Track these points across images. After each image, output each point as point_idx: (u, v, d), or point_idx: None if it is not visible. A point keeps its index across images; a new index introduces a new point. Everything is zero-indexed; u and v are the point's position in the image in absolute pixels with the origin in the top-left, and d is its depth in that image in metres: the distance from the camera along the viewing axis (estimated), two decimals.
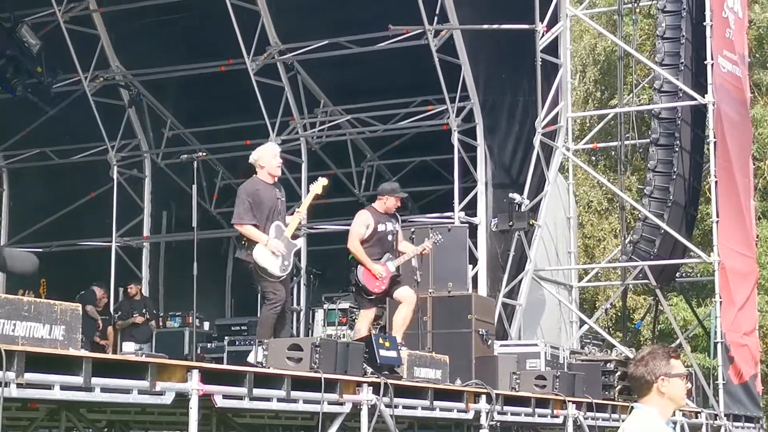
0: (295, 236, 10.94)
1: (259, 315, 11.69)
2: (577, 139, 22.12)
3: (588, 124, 28.06)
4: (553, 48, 18.55)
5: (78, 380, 6.78)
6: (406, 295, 11.85)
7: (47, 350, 6.88)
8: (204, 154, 13.30)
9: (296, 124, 19.38)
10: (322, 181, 11.34)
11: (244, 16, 18.31)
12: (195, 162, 11.58)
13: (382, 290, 11.74)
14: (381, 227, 11.82)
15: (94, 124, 19.93)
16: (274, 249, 10.59)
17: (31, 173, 21.46)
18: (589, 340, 19.41)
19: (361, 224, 11.83)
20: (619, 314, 24.67)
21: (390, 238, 11.87)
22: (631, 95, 22.19)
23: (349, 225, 11.28)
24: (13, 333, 6.77)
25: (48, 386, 6.70)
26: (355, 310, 17.58)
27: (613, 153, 26.55)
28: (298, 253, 11.44)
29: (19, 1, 19.15)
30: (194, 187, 11.25)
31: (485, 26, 17.25)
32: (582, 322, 20.17)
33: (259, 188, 10.95)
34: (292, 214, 11.22)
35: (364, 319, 11.93)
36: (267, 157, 11.19)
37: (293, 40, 18.63)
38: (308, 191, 11.38)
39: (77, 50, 19.59)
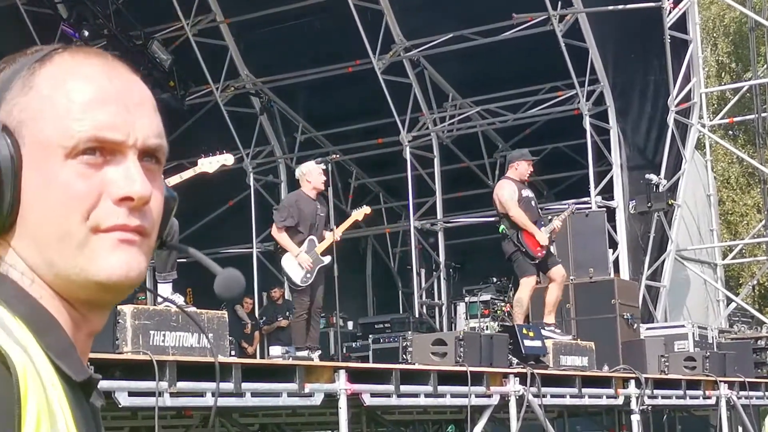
0: (325, 253, 11.43)
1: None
2: (712, 115, 21.70)
3: (724, 98, 27.50)
4: (681, 24, 18.22)
5: (229, 386, 6.91)
6: (560, 274, 11.77)
7: (197, 359, 7.03)
8: (337, 156, 13.45)
9: (426, 119, 19.41)
10: (365, 210, 12.24)
11: (368, 16, 18.41)
12: (329, 164, 11.73)
13: (543, 255, 11.59)
14: (525, 193, 11.73)
15: (228, 133, 20.26)
16: (301, 262, 11.22)
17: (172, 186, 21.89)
18: (737, 318, 19.05)
19: (511, 192, 11.67)
20: (767, 289, 24.14)
21: (533, 204, 11.79)
22: (766, 66, 21.67)
23: (484, 217, 11.28)
24: (164, 343, 6.93)
25: (200, 394, 6.84)
26: (496, 301, 17.56)
27: (750, 126, 25.99)
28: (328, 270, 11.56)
29: (149, 18, 19.57)
30: (330, 188, 11.39)
31: (610, 7, 17.03)
32: (729, 300, 19.80)
33: (301, 201, 11.47)
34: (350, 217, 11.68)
35: (526, 286, 11.64)
36: (314, 173, 11.47)
37: (418, 36, 18.66)
38: (350, 214, 12.41)
39: (207, 62, 19.95)
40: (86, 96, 1.30)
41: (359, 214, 12.12)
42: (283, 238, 11.39)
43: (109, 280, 1.30)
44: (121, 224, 1.30)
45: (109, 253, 1.30)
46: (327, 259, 11.50)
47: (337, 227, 11.74)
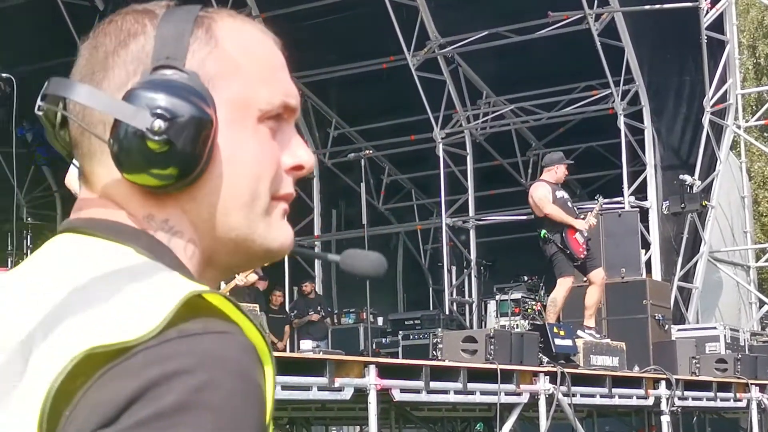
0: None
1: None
2: (748, 116, 21.57)
3: (761, 100, 27.34)
4: (718, 24, 18.13)
5: None
6: (600, 276, 11.73)
7: None
8: (371, 151, 13.41)
9: (459, 116, 19.39)
10: (252, 278, 11.61)
11: (403, 12, 18.41)
12: (362, 160, 11.69)
13: (585, 256, 11.55)
14: (559, 194, 11.68)
15: None
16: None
17: None
18: None
19: (545, 192, 11.62)
20: None
21: (569, 204, 11.74)
22: None
23: (517, 215, 11.22)
24: None
25: None
26: (527, 299, 17.52)
27: None
28: None
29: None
30: (362, 184, 11.35)
31: (647, 7, 16.96)
32: (762, 303, 19.69)
33: None
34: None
35: (563, 287, 11.53)
36: None
37: (453, 33, 18.64)
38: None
39: None
40: (273, 61, 1.29)
41: (240, 279, 11.37)
42: None
43: (281, 249, 1.29)
44: (290, 193, 1.31)
45: (282, 222, 1.29)
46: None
47: None
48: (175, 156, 1.18)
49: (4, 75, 9.29)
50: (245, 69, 1.26)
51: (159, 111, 1.17)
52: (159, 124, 1.17)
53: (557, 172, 11.82)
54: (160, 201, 1.22)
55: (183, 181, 1.20)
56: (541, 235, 11.55)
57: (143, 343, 1.04)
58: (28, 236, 17.99)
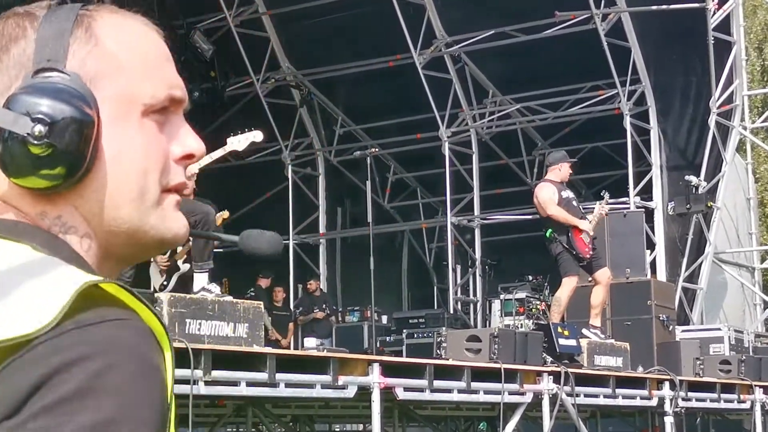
0: (186, 259, 9.44)
1: None
2: (754, 117, 21.54)
3: (767, 101, 27.31)
4: (725, 26, 18.11)
5: (263, 376, 6.93)
6: (605, 276, 11.70)
7: (232, 348, 7.06)
8: (376, 150, 13.41)
9: (465, 115, 19.39)
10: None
11: (410, 10, 18.41)
12: (368, 158, 11.67)
13: (591, 256, 11.53)
14: (565, 194, 11.64)
15: (267, 125, 20.29)
16: (157, 262, 9.45)
17: (210, 175, 21.96)
18: None
19: (550, 193, 11.58)
20: None
21: (575, 204, 11.69)
22: None
23: (522, 215, 11.22)
24: (199, 332, 6.97)
25: (234, 383, 6.87)
26: (532, 299, 17.52)
27: None
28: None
29: (191, 8, 19.66)
30: (368, 182, 11.34)
31: (654, 7, 16.95)
32: (766, 305, 19.67)
33: None
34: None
35: (567, 286, 11.48)
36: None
37: (459, 32, 18.64)
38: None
39: (248, 53, 20.01)
40: (156, 54, 1.32)
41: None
42: None
43: (175, 238, 1.32)
44: (182, 182, 1.32)
45: (174, 212, 1.31)
46: (185, 267, 9.47)
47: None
48: (59, 158, 1.21)
49: None
50: (127, 65, 1.28)
51: (39, 116, 1.20)
52: (39, 128, 1.20)
53: (561, 170, 11.77)
54: (51, 199, 1.25)
55: (70, 180, 1.23)
56: (547, 234, 11.52)
57: (42, 336, 1.07)
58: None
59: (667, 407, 11.01)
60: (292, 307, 18.73)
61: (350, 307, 19.28)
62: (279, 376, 7.01)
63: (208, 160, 8.39)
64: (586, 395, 9.98)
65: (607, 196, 12.70)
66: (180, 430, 6.65)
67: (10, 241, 1.21)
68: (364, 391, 7.67)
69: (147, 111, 1.28)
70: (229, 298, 7.58)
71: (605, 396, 10.34)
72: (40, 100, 1.21)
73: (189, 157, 1.32)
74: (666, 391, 11.01)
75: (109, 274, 1.27)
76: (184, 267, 9.47)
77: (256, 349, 7.25)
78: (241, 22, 19.82)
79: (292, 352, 12.84)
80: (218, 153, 8.76)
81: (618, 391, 10.43)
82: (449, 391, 8.54)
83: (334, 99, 21.16)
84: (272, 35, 20.15)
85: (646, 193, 17.40)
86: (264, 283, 17.63)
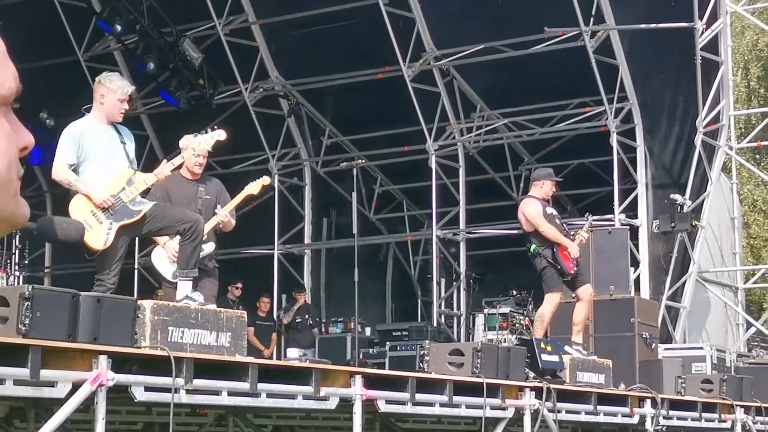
0: (207, 239, 9.13)
1: None
2: (740, 138, 21.61)
3: (753, 122, 27.40)
4: (713, 45, 18.18)
5: (245, 386, 6.92)
6: (588, 292, 11.70)
7: (215, 357, 7.05)
8: (363, 161, 13.38)
9: (453, 129, 19.41)
10: (263, 180, 9.89)
11: (400, 23, 18.43)
12: (355, 169, 11.65)
13: (576, 272, 11.53)
14: (548, 210, 11.64)
15: (254, 134, 20.32)
16: (168, 250, 9.03)
17: None
18: (756, 343, 18.97)
19: (537, 208, 11.57)
20: None
21: (557, 221, 11.69)
22: None
23: (507, 229, 11.21)
24: (182, 340, 6.96)
25: (216, 392, 6.86)
26: (515, 314, 17.53)
27: None
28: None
29: (181, 16, 19.65)
30: (354, 194, 11.32)
31: (643, 26, 17.01)
32: (749, 325, 19.71)
33: (172, 182, 9.21)
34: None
35: (550, 302, 11.47)
36: (188, 150, 9.20)
37: (448, 46, 18.67)
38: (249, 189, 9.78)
39: (237, 62, 20.01)
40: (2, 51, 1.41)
41: (254, 186, 9.77)
42: None
43: (23, 224, 1.47)
44: (22, 172, 1.46)
45: (20, 199, 1.46)
46: (208, 248, 9.29)
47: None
48: None
49: None
50: None
51: None
52: None
53: (543, 187, 11.78)
54: None
55: None
56: (531, 249, 11.52)
57: None
58: (17, 236, 17.95)
59: (649, 425, 11.02)
60: (275, 317, 18.72)
61: (334, 318, 19.27)
62: (261, 386, 7.00)
63: (170, 166, 8.37)
64: (567, 411, 9.99)
65: (590, 219, 12.69)
66: None
67: None
68: (346, 403, 7.66)
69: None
70: (213, 307, 7.57)
71: (587, 413, 10.35)
72: None
73: (26, 149, 1.45)
74: (647, 409, 11.02)
75: None
76: (207, 247, 9.20)
77: (238, 358, 7.24)
78: (231, 30, 19.81)
79: (274, 362, 12.80)
80: (178, 159, 8.67)
81: (599, 408, 10.44)
82: (431, 404, 8.53)
83: (322, 109, 21.16)
84: (261, 44, 20.15)
85: (632, 210, 17.43)
86: (236, 293, 17.54)
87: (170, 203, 9.06)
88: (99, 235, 7.64)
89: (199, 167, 9.60)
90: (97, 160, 7.81)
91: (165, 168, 8.23)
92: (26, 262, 18.93)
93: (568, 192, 19.56)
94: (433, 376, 8.92)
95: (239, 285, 17.49)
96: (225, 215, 9.47)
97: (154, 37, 19.14)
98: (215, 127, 9.05)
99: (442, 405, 8.59)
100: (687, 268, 17.65)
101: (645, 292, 16.70)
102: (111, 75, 8.30)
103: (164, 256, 9.14)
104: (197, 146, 9.02)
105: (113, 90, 7.97)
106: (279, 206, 20.72)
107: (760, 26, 22.86)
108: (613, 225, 16.62)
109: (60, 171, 7.74)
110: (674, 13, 17.01)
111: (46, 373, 5.90)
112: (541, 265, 11.47)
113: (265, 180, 9.91)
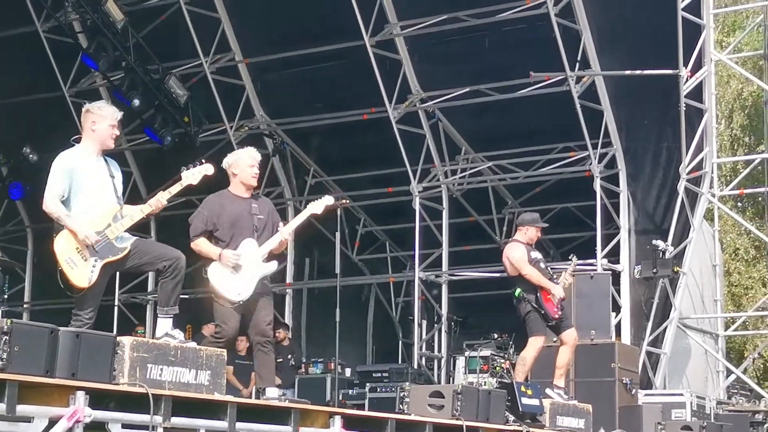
0: (269, 258, 9.08)
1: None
2: (723, 185, 21.69)
3: (735, 170, 27.51)
4: (697, 93, 18.27)
5: (223, 425, 6.88)
6: (572, 337, 11.67)
7: (193, 395, 7.00)
8: (347, 201, 13.37)
9: (437, 171, 19.44)
10: (326, 200, 9.79)
11: (387, 65, 18.50)
12: (338, 209, 11.63)
13: (560, 317, 11.51)
14: (533, 254, 11.64)
15: None
16: (227, 259, 8.86)
17: (178, 221, 21.87)
18: (736, 390, 18.94)
19: (521, 252, 11.58)
20: None
21: (542, 265, 11.68)
22: None
23: (490, 272, 11.23)
24: (161, 377, 6.91)
25: (194, 431, 6.81)
26: (496, 357, 17.48)
27: (760, 199, 25.97)
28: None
29: (168, 54, 19.69)
30: (338, 234, 11.31)
31: (628, 72, 17.10)
32: (729, 372, 19.70)
33: (225, 201, 9.35)
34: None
35: (533, 346, 11.43)
36: (242, 163, 9.59)
37: (434, 88, 18.74)
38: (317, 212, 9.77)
39: (223, 100, 20.04)
40: None
41: (318, 206, 9.67)
42: (201, 245, 9.07)
43: None
44: None
45: None
46: (272, 267, 9.08)
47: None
48: None
49: None
50: None
51: None
52: None
53: (527, 232, 11.81)
54: None
55: None
56: (516, 294, 11.51)
57: None
58: None
59: None
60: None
61: (314, 358, 19.19)
62: (239, 425, 6.96)
63: (167, 195, 8.35)
64: None
65: (575, 259, 12.72)
66: None
67: None
68: None
69: None
70: (193, 345, 7.53)
71: None
72: None
73: None
74: None
75: None
76: (270, 266, 9.06)
77: (217, 396, 7.19)
78: (217, 69, 19.86)
79: (253, 401, 12.72)
80: (176, 188, 8.67)
81: None
82: None
83: (306, 149, 21.18)
84: (248, 83, 20.19)
85: (614, 255, 17.45)
86: (207, 330, 17.42)
87: (224, 219, 9.08)
88: (84, 274, 7.60)
89: None
90: (86, 194, 7.79)
91: (162, 197, 8.24)
92: (5, 296, 18.80)
93: (551, 236, 19.57)
94: (412, 418, 8.89)
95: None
96: (289, 233, 9.42)
97: (140, 73, 19.17)
98: (203, 161, 9.02)
99: None
100: (668, 314, 17.65)
101: (626, 338, 16.69)
102: (99, 103, 8.32)
103: (223, 271, 8.89)
104: (186, 181, 8.95)
105: (104, 116, 7.98)
106: None
107: (745, 75, 22.99)
108: (596, 270, 16.65)
109: (50, 204, 7.71)
110: (659, 60, 17.10)
111: (22, 408, 5.86)
112: (524, 309, 11.46)
113: (328, 200, 9.78)
